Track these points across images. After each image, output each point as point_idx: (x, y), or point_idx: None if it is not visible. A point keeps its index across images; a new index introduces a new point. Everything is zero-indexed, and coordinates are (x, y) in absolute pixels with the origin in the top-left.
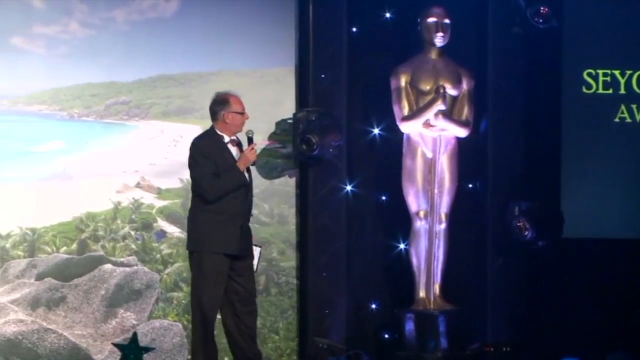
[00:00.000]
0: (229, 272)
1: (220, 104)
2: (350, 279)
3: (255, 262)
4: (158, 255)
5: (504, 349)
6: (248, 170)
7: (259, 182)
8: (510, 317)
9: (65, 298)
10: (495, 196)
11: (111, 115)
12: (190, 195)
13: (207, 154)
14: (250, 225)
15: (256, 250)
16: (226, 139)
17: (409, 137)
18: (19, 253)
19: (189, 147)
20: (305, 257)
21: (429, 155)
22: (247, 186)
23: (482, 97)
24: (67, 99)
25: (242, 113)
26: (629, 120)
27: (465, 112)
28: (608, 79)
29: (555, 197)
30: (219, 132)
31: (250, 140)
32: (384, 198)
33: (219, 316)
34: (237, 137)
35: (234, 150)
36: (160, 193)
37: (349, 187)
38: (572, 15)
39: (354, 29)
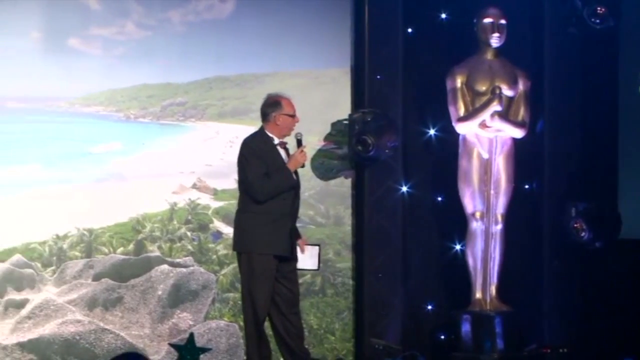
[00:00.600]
0: (276, 275)
1: (271, 105)
2: (406, 280)
3: (315, 260)
4: (214, 256)
5: (561, 350)
6: (296, 172)
7: (314, 183)
8: (567, 319)
9: (122, 299)
10: (552, 197)
11: (167, 116)
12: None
13: (258, 155)
14: (306, 226)
15: (314, 249)
16: (276, 140)
17: (464, 138)
18: (76, 254)
19: (239, 147)
20: (361, 258)
21: (485, 156)
22: (296, 188)
23: (538, 98)
24: (123, 100)
25: (293, 116)
26: None
27: (522, 112)
28: None
29: (612, 198)
30: (268, 134)
31: (299, 143)
32: (439, 199)
33: None
34: (298, 140)
35: (282, 152)
36: (216, 194)
37: (404, 188)
38: (628, 14)
39: (410, 30)
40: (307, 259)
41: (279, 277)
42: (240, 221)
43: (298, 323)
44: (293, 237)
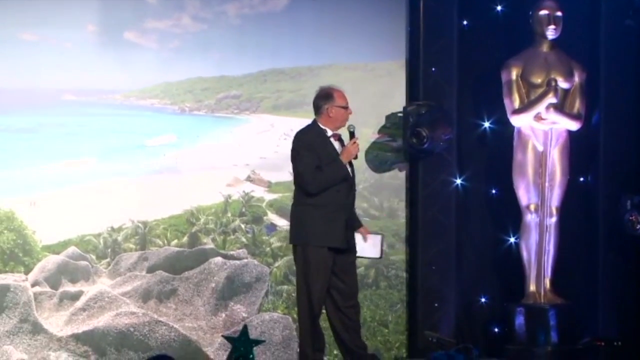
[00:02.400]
0: (333, 268)
1: (324, 98)
2: (459, 273)
3: (378, 249)
4: (268, 249)
5: (615, 343)
6: (351, 164)
7: (369, 176)
8: (622, 312)
9: (176, 291)
10: (607, 190)
11: (222, 109)
12: (293, 189)
13: (310, 147)
14: (360, 218)
15: (377, 238)
16: (329, 132)
17: (519, 131)
18: (130, 246)
19: (292, 141)
20: (415, 250)
21: (540, 148)
22: (351, 180)
23: (594, 90)
24: (178, 93)
25: (346, 107)
26: None
27: (577, 105)
28: None
29: None
30: (321, 126)
31: (352, 135)
32: (494, 191)
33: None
34: (351, 132)
35: (336, 144)
36: (270, 186)
37: (459, 181)
38: None
39: (465, 22)
40: (369, 247)
41: (335, 270)
42: (295, 214)
43: (355, 316)
44: (348, 229)
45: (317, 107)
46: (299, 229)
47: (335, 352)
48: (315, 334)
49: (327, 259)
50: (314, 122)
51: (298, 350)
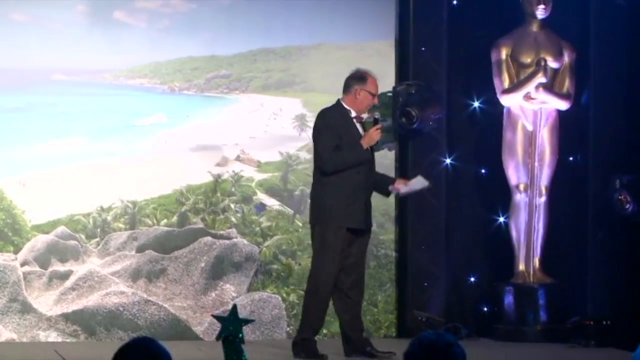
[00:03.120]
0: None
1: (357, 79)
2: (449, 252)
3: (424, 181)
4: (257, 228)
5: (604, 322)
6: (371, 148)
7: None
8: (611, 291)
9: (165, 270)
10: (597, 169)
11: (212, 88)
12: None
13: (332, 126)
14: None
15: (417, 178)
16: (352, 114)
17: (509, 110)
18: (120, 225)
19: (315, 118)
20: (405, 230)
21: (530, 128)
22: (371, 163)
23: (583, 70)
24: (168, 73)
25: (374, 95)
26: None
27: (567, 84)
28: None
29: None
30: (345, 106)
31: (376, 121)
32: (483, 171)
33: None
34: (375, 119)
35: (359, 127)
36: (260, 166)
37: (448, 160)
38: None
39: (455, 2)
40: (415, 184)
41: (352, 251)
42: (315, 194)
43: (357, 297)
44: (368, 211)
45: (347, 86)
46: (319, 209)
47: (324, 331)
48: (318, 313)
49: (344, 240)
50: (338, 101)
51: (288, 329)
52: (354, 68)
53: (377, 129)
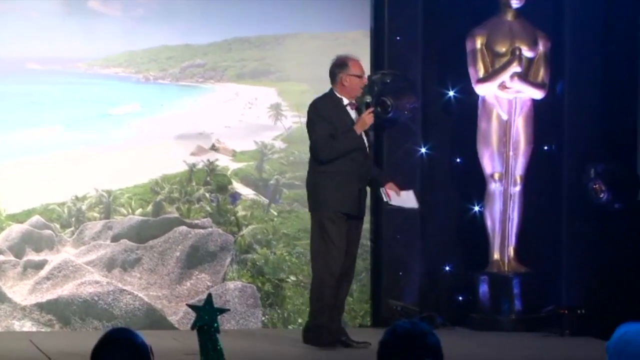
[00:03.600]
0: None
1: (339, 66)
2: (424, 242)
3: (414, 201)
4: (232, 217)
5: (579, 311)
6: (367, 134)
7: None
8: (585, 280)
9: (140, 260)
10: (571, 158)
11: (186, 77)
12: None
13: (325, 115)
14: None
15: (410, 192)
16: (345, 101)
17: (484, 100)
18: (94, 215)
19: (308, 109)
20: (379, 219)
21: (505, 117)
22: (365, 149)
23: (558, 59)
24: (142, 62)
25: (360, 76)
26: None
27: (541, 74)
28: None
29: (631, 159)
30: (337, 95)
31: (367, 105)
32: (458, 160)
33: None
34: (355, 101)
35: (352, 113)
36: (235, 155)
37: (423, 150)
38: None
39: None
40: (406, 199)
41: (347, 236)
42: (311, 182)
43: (345, 287)
44: (363, 198)
45: (333, 76)
46: (315, 197)
47: (300, 320)
48: (332, 305)
49: (343, 226)
50: (330, 90)
51: (263, 319)
52: (330, 56)
53: (369, 113)
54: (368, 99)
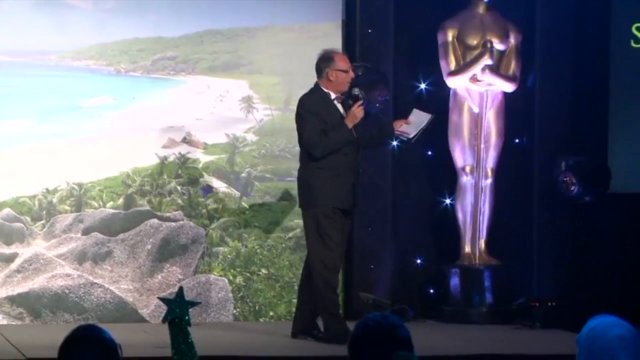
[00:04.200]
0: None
1: (324, 61)
2: (395, 234)
3: (424, 115)
4: (204, 210)
5: (550, 304)
6: (356, 127)
7: None
8: (556, 273)
9: (111, 252)
10: (542, 151)
11: (158, 70)
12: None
13: (315, 111)
14: (296, 181)
15: (414, 113)
16: (332, 96)
17: (455, 92)
18: (65, 208)
19: (296, 105)
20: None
21: (476, 110)
22: (356, 143)
23: (529, 52)
24: (114, 54)
25: (346, 71)
26: None
27: (513, 66)
28: None
29: (602, 152)
30: (324, 90)
31: (357, 98)
32: (430, 153)
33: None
34: (344, 95)
35: (340, 107)
36: (206, 148)
37: (395, 142)
38: None
39: None
40: (417, 121)
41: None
42: (302, 178)
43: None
44: (357, 191)
45: (319, 70)
46: (308, 193)
47: (271, 313)
48: (336, 297)
49: (339, 220)
50: (317, 85)
51: (235, 312)
52: (302, 49)
53: (359, 106)
54: (356, 91)
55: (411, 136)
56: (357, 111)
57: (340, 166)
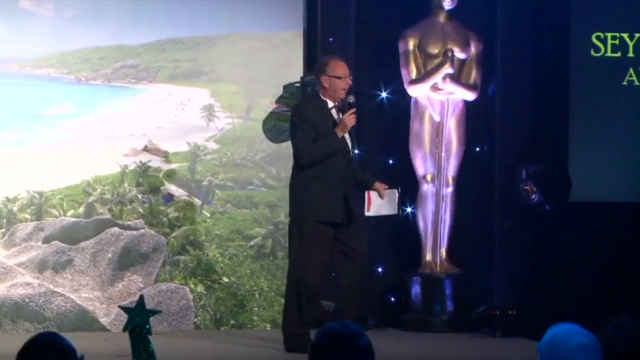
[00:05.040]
0: (339, 237)
1: (319, 67)
2: None
3: (395, 205)
4: (165, 219)
5: (510, 312)
6: (350, 135)
7: (266, 146)
8: (516, 281)
9: (72, 261)
10: (503, 159)
11: (119, 78)
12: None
13: (307, 119)
14: (257, 188)
15: (394, 193)
16: (330, 104)
17: (416, 101)
18: (26, 216)
19: (291, 112)
20: None
21: (437, 118)
22: (349, 152)
23: (490, 61)
24: (75, 63)
25: (340, 77)
26: (637, 83)
27: (473, 75)
28: (617, 42)
29: (562, 161)
30: (322, 97)
31: (350, 106)
32: (391, 161)
33: None
34: (339, 102)
35: (335, 115)
36: (167, 156)
37: (356, 151)
38: None
39: None
40: (386, 204)
41: (344, 240)
42: (292, 188)
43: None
44: (349, 202)
45: (316, 78)
46: (297, 203)
47: (232, 321)
48: (302, 307)
49: (324, 233)
50: (314, 92)
51: (196, 320)
52: (263, 57)
53: (351, 114)
54: (351, 99)
55: (367, 213)
56: (348, 120)
57: (330, 177)
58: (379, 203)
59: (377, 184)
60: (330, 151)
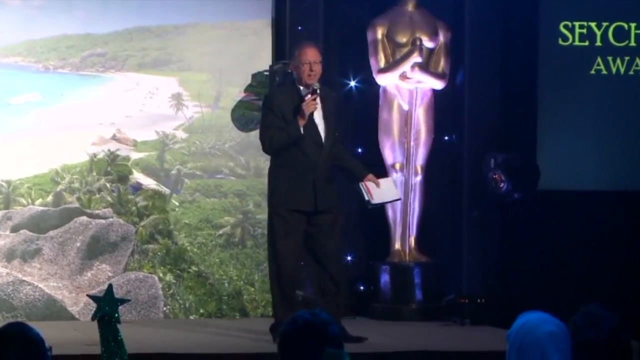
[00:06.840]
0: (309, 229)
1: (291, 57)
2: None
3: (395, 190)
4: (133, 208)
5: (479, 300)
6: (327, 122)
7: (235, 135)
8: (485, 269)
9: (40, 250)
10: (471, 148)
11: (87, 67)
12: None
13: (273, 107)
14: (226, 177)
15: (388, 181)
16: (304, 92)
17: (385, 90)
18: None
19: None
20: None
21: (405, 107)
22: (319, 139)
23: (458, 49)
24: (42, 51)
25: (305, 63)
26: (604, 72)
27: (442, 64)
28: (584, 31)
29: (531, 149)
30: (297, 85)
31: (313, 92)
32: (359, 150)
33: None
34: (312, 89)
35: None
36: (136, 145)
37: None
38: None
39: None
40: (386, 191)
41: (313, 234)
42: (268, 176)
43: (331, 286)
44: (322, 190)
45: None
46: (270, 191)
47: (201, 310)
48: (284, 297)
49: (294, 223)
50: (292, 81)
51: (165, 309)
52: (231, 46)
53: (310, 100)
54: (316, 85)
55: (373, 202)
56: (307, 106)
57: (298, 165)
58: (379, 191)
59: (371, 176)
60: (289, 139)
